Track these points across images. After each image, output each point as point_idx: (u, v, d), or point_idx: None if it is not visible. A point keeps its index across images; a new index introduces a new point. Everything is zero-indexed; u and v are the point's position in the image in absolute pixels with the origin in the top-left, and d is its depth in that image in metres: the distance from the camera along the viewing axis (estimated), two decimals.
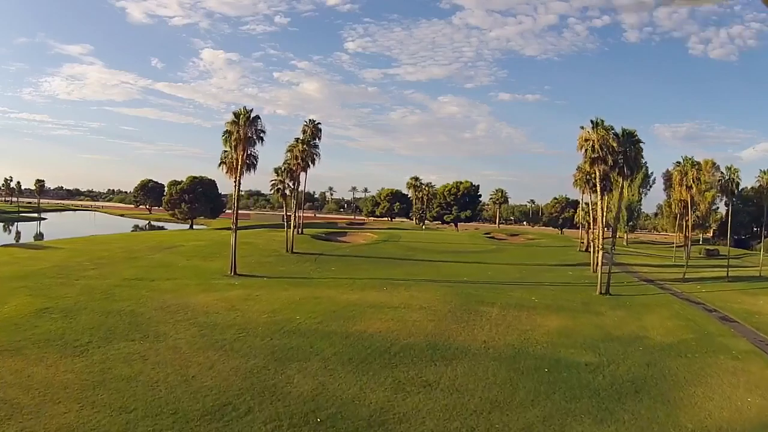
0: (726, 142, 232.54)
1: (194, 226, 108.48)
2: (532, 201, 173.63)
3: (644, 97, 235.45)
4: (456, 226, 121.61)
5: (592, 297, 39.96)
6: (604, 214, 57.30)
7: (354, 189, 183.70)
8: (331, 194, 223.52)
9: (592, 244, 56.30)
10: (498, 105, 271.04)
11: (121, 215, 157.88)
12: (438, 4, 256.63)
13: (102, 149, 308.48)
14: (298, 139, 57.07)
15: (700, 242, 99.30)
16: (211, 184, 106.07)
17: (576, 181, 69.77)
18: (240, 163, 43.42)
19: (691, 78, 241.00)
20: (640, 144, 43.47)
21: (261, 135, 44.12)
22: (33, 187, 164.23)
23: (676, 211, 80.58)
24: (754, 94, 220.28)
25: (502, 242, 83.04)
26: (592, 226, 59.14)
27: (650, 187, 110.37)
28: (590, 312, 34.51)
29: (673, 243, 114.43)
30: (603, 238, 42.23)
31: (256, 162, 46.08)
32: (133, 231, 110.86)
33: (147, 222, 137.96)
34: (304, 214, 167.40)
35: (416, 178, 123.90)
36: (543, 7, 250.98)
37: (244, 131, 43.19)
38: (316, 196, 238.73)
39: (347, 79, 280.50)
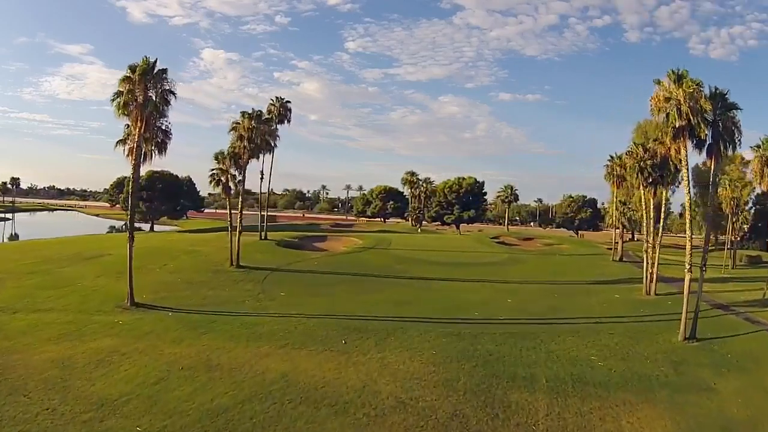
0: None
1: (156, 227, 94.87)
2: (540, 200, 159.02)
3: (645, 97, 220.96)
4: (458, 227, 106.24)
5: (676, 347, 25.36)
6: (664, 214, 42.89)
7: (348, 187, 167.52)
8: (326, 193, 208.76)
9: (645, 254, 41.56)
10: (498, 105, 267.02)
11: (96, 215, 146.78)
12: (438, 4, 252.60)
13: (102, 149, 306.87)
14: (245, 113, 41.92)
15: (727, 246, 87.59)
16: (173, 180, 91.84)
17: (609, 172, 55.58)
18: (137, 137, 28.82)
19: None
20: (737, 110, 28.55)
21: (167, 99, 29.52)
22: (18, 186, 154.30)
23: (728, 211, 66.71)
24: (754, 94, 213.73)
25: (515, 249, 67.89)
26: (645, 231, 44.36)
27: (679, 184, 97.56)
28: (693, 385, 20.08)
29: (699, 247, 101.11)
30: (690, 252, 27.43)
31: (169, 139, 31.71)
32: (108, 233, 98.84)
33: (124, 223, 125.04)
34: (292, 215, 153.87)
35: (412, 173, 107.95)
36: (544, 7, 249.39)
37: (144, 91, 28.58)
38: (308, 195, 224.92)
39: (347, 79, 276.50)
